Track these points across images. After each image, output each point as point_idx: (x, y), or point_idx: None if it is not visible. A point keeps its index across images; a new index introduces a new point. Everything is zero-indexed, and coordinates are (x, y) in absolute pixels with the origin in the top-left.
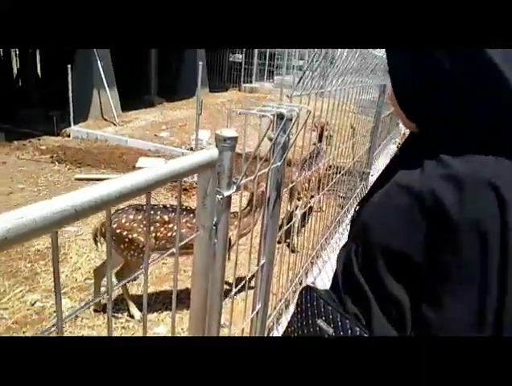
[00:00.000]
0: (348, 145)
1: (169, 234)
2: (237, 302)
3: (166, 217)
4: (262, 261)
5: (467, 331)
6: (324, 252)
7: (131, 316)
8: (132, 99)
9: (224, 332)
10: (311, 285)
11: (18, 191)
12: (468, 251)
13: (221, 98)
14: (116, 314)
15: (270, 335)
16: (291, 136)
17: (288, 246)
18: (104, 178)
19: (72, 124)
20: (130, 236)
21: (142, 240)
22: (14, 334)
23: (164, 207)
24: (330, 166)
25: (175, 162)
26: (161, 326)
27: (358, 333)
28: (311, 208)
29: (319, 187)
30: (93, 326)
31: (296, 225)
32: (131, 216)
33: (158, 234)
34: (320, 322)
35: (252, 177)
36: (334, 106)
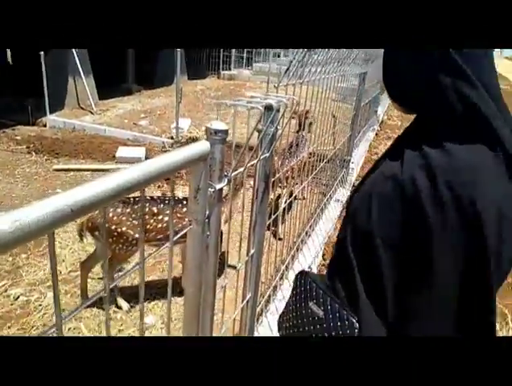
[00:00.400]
0: (329, 133)
1: (159, 225)
2: (228, 290)
3: (155, 209)
4: (252, 251)
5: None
6: (309, 239)
7: (119, 307)
8: (109, 87)
9: (216, 321)
10: (307, 269)
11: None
12: (438, 227)
13: (200, 85)
14: (103, 306)
15: (260, 322)
16: (278, 127)
17: (274, 235)
18: (84, 169)
19: (47, 113)
20: (118, 230)
21: (132, 233)
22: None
23: (152, 198)
24: (311, 154)
25: (167, 157)
26: (150, 315)
27: (346, 316)
28: (294, 196)
29: (301, 175)
30: (80, 318)
31: (280, 213)
32: (119, 210)
33: (148, 226)
34: (312, 305)
35: (242, 169)
36: (315, 94)
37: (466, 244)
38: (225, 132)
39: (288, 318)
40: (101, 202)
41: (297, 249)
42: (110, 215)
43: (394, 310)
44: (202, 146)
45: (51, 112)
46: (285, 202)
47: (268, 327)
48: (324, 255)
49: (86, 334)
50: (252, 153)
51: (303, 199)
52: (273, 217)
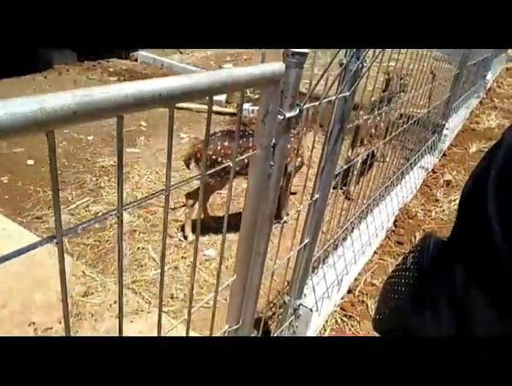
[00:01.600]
0: (423, 92)
1: None
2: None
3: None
4: (316, 196)
5: None
6: (382, 202)
7: (185, 237)
8: None
9: (270, 257)
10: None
11: None
12: None
13: None
14: (171, 234)
15: (315, 272)
16: (364, 64)
17: (344, 193)
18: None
19: (139, 48)
20: (223, 162)
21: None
22: (79, 239)
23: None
24: (401, 115)
25: (238, 70)
26: (210, 249)
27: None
28: (373, 157)
29: (385, 136)
30: (149, 241)
31: (355, 172)
32: (226, 143)
33: (246, 160)
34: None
35: (317, 103)
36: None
37: None
38: (304, 55)
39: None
40: (170, 98)
41: (367, 210)
42: (218, 147)
43: None
44: (276, 67)
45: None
46: (363, 162)
47: (323, 278)
48: (395, 221)
49: (151, 253)
50: (328, 88)
51: (384, 161)
52: (341, 172)
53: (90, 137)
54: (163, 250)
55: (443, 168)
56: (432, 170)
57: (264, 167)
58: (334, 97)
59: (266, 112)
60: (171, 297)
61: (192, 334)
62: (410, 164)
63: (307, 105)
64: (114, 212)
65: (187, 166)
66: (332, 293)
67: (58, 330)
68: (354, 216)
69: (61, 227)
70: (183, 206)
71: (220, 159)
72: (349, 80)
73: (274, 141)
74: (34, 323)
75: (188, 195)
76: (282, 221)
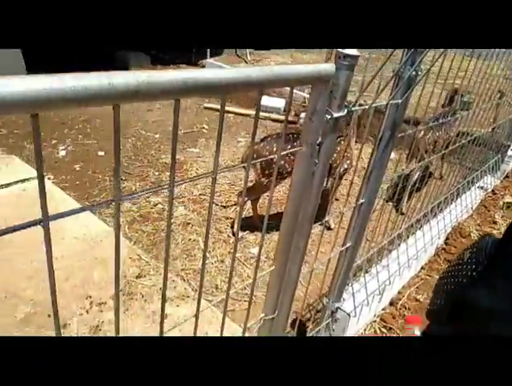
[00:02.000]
0: (488, 111)
1: None
2: (328, 235)
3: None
4: (362, 200)
5: None
6: (433, 219)
7: (233, 234)
8: None
9: (308, 260)
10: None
11: (155, 110)
12: None
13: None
14: (220, 229)
15: (356, 279)
16: (419, 72)
17: (396, 208)
18: (228, 111)
19: (208, 56)
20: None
21: (287, 166)
22: (138, 226)
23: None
24: (462, 133)
25: (289, 66)
26: (256, 248)
27: None
28: (430, 174)
29: (444, 154)
30: (200, 234)
31: (409, 187)
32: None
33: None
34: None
35: (366, 107)
36: (481, 68)
37: None
38: (355, 58)
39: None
40: (224, 87)
41: (417, 224)
42: (274, 149)
43: None
44: (326, 67)
45: (210, 56)
46: (419, 178)
47: (364, 286)
48: (447, 239)
49: (201, 245)
50: (378, 93)
51: (440, 178)
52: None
53: (157, 135)
54: (206, 241)
55: (504, 190)
56: (492, 190)
57: (309, 164)
58: (386, 102)
59: (314, 111)
60: (216, 288)
61: (230, 323)
62: (468, 183)
63: (356, 108)
64: (166, 186)
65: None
66: (373, 302)
67: (111, 305)
68: (402, 229)
69: (120, 190)
70: (235, 204)
71: (275, 160)
72: (402, 86)
73: (320, 139)
74: (90, 297)
75: (240, 194)
76: (324, 220)
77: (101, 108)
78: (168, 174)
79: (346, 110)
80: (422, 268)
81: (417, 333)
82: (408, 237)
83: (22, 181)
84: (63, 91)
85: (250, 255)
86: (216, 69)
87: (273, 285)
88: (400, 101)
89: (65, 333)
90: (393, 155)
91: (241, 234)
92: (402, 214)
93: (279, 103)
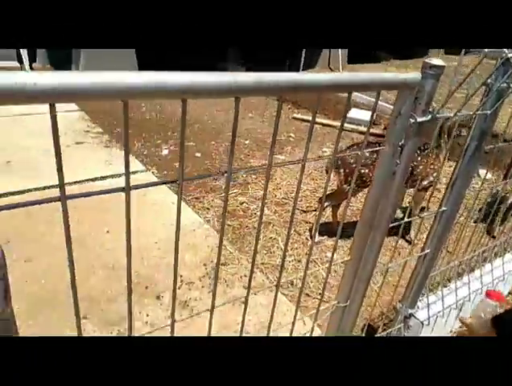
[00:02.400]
0: None
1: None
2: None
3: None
4: (443, 208)
5: None
6: None
7: (311, 237)
8: (360, 52)
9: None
10: None
11: (247, 119)
12: None
13: (454, 61)
14: (299, 232)
15: (434, 292)
16: (511, 84)
17: (487, 231)
18: (316, 122)
19: (300, 68)
20: (361, 171)
21: (371, 175)
22: (227, 221)
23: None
24: None
25: (376, 74)
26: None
27: None
28: None
29: None
30: (280, 233)
31: (503, 208)
32: (367, 153)
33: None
34: None
35: (452, 115)
36: None
37: None
38: (441, 68)
39: None
40: (320, 87)
41: (506, 246)
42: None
43: None
44: (412, 75)
45: (303, 69)
46: None
47: (440, 299)
48: None
49: (280, 244)
50: (466, 101)
51: None
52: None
53: (247, 142)
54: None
55: None
56: None
57: (390, 164)
58: (472, 113)
59: (399, 114)
60: (291, 284)
61: (302, 316)
62: None
63: (441, 115)
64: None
65: (327, 172)
66: (449, 316)
67: (198, 285)
68: (489, 247)
69: (183, 174)
70: (315, 210)
71: (360, 168)
72: (492, 97)
73: (403, 142)
74: (181, 276)
75: (320, 200)
76: (407, 236)
77: (200, 115)
78: (254, 176)
79: (430, 116)
80: (509, 293)
81: (498, 309)
82: (496, 257)
83: (133, 173)
84: (205, 83)
85: (327, 259)
86: (314, 73)
87: (347, 274)
88: (489, 112)
89: (158, 303)
90: (489, 176)
91: (319, 238)
92: (494, 237)
93: (367, 116)
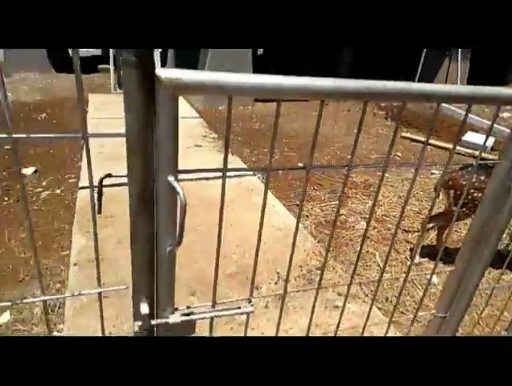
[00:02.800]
0: None
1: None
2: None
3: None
4: None
5: None
6: None
7: (411, 257)
8: (485, 73)
9: None
10: None
11: (353, 135)
12: None
13: None
14: (399, 250)
15: None
16: None
17: None
18: (428, 143)
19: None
20: (474, 195)
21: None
22: (322, 228)
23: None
24: None
25: (498, 88)
26: (434, 276)
27: None
28: None
29: None
30: (377, 249)
31: None
32: (482, 177)
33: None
34: None
35: None
36: None
37: None
38: None
39: None
40: (434, 96)
41: None
42: (473, 179)
43: None
44: None
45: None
46: None
47: None
48: None
49: (376, 259)
50: None
51: None
52: None
53: (349, 156)
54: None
55: None
56: None
57: (505, 178)
58: None
59: None
60: (386, 300)
61: (392, 329)
62: None
63: None
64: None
65: (435, 191)
66: None
67: (293, 283)
68: None
69: (271, 164)
70: (417, 231)
71: (471, 191)
72: None
73: None
74: (278, 273)
75: (423, 222)
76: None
77: (305, 130)
78: (354, 191)
79: None
80: None
81: None
82: None
83: (239, 176)
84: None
85: (427, 281)
86: (342, 81)
87: (450, 284)
88: None
89: (255, 294)
90: None
91: (420, 259)
92: None
93: (488, 141)
